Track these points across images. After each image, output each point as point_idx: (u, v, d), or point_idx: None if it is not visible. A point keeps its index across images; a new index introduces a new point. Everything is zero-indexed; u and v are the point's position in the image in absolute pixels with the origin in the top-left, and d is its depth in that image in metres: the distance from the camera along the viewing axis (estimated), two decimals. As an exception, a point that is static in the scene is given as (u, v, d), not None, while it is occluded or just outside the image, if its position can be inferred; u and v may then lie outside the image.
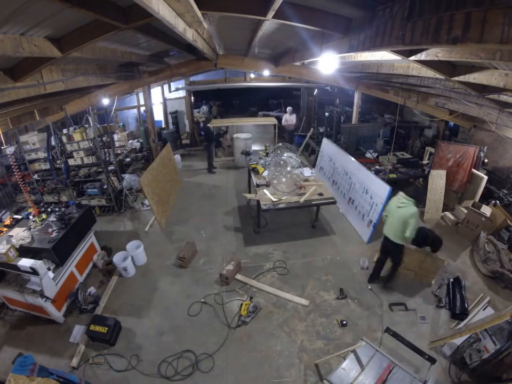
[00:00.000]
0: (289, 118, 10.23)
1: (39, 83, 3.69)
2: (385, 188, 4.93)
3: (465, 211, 5.61)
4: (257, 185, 5.62)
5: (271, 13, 2.42)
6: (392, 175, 6.54)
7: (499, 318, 2.82)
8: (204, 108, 12.45)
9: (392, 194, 4.85)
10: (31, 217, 4.49)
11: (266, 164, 6.31)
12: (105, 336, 3.55)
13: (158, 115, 11.32)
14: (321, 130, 10.87)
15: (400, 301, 4.19)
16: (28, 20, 2.32)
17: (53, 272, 3.88)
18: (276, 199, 5.11)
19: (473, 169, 6.13)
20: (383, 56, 3.67)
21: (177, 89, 11.92)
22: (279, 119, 10.54)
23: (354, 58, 4.37)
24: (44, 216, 4.45)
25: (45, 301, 3.67)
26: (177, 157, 9.12)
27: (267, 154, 6.81)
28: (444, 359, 3.41)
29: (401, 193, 3.93)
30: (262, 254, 5.20)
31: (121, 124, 10.76)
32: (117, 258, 4.75)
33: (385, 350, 3.19)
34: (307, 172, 6.05)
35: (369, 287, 4.42)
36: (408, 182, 7.10)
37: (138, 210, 6.76)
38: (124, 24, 2.62)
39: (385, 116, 10.55)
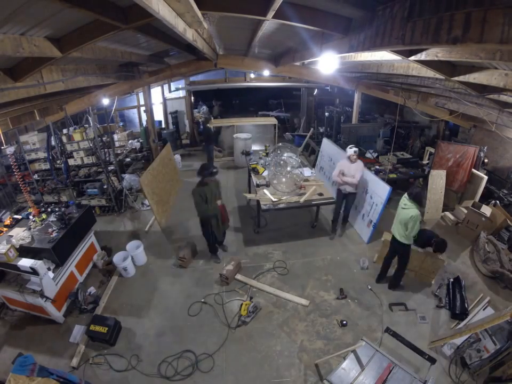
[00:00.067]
0: (353, 168, 4.97)
1: (39, 83, 3.69)
2: (385, 188, 4.92)
3: (465, 211, 5.61)
4: (257, 185, 5.62)
5: (271, 13, 2.42)
6: (392, 175, 6.54)
7: (499, 318, 2.82)
8: (204, 108, 12.43)
9: (392, 194, 4.88)
10: (31, 217, 4.48)
11: (266, 163, 6.30)
12: (105, 336, 3.55)
13: (158, 115, 11.32)
14: (321, 130, 10.87)
15: (400, 301, 4.19)
16: (27, 20, 2.32)
17: (53, 272, 3.87)
18: (275, 199, 5.11)
19: (473, 169, 6.13)
20: (383, 56, 3.67)
21: (177, 89, 11.93)
22: (279, 118, 10.36)
23: (354, 58, 4.37)
24: (43, 216, 4.45)
25: (45, 301, 3.67)
26: (177, 157, 9.12)
27: (267, 154, 6.80)
28: (444, 359, 3.41)
29: (405, 195, 3.91)
30: (262, 254, 5.20)
31: (121, 124, 10.76)
32: (117, 258, 4.75)
33: (385, 350, 3.18)
34: (307, 171, 6.04)
35: (369, 287, 4.42)
36: (408, 182, 7.11)
37: (138, 210, 6.76)
38: (124, 24, 2.62)
39: (385, 116, 10.55)
